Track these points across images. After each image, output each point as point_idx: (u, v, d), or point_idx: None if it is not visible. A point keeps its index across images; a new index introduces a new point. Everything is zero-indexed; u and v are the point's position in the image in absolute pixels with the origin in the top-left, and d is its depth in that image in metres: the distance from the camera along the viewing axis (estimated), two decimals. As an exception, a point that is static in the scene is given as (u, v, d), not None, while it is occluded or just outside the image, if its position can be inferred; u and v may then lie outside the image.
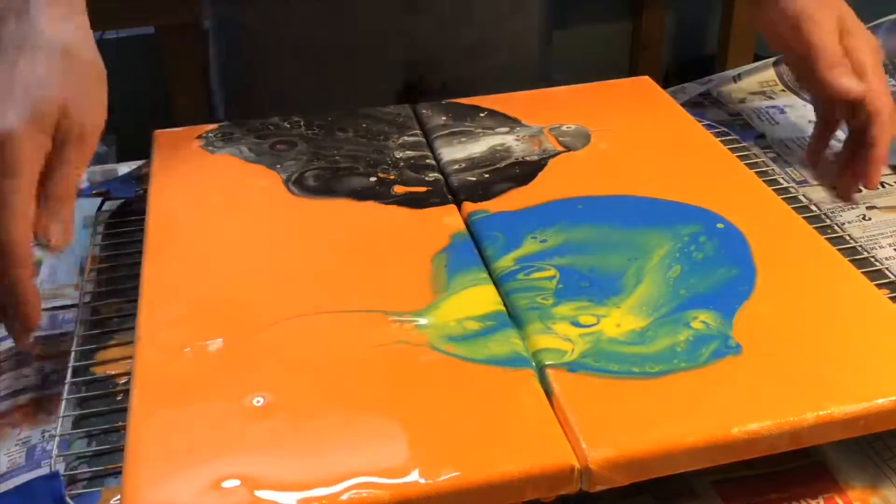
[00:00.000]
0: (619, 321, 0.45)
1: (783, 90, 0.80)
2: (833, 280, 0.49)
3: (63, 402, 0.44)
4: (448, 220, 0.54)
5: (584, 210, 0.54)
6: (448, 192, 0.57)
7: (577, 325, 0.45)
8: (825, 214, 0.56)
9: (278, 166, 0.59)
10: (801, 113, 0.76)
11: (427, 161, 0.60)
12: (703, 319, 0.45)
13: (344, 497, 0.37)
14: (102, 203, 0.59)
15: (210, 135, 0.63)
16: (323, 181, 0.58)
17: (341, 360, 0.44)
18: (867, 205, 0.63)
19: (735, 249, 0.50)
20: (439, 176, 0.58)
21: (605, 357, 0.43)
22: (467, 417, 0.41)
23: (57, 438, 0.42)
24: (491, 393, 0.42)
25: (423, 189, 0.57)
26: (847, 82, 0.59)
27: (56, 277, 0.59)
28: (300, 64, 0.79)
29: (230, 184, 0.58)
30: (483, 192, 0.56)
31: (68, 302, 0.56)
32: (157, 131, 0.64)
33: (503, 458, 0.38)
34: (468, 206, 0.55)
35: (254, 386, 0.42)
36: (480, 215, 0.54)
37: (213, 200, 0.56)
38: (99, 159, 0.58)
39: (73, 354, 0.47)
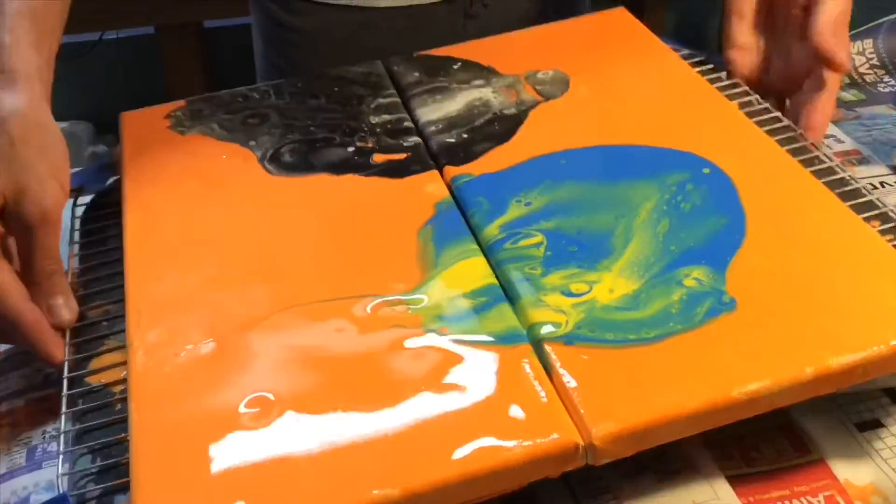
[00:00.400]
0: (611, 286, 0.45)
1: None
2: (827, 222, 0.47)
3: (62, 417, 0.44)
4: (431, 187, 0.53)
5: (567, 165, 0.53)
6: (428, 156, 0.56)
7: (569, 294, 0.45)
8: (838, 166, 0.52)
9: (252, 143, 0.58)
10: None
11: (405, 124, 0.58)
12: (695, 276, 0.45)
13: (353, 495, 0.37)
14: (76, 200, 0.57)
15: (179, 113, 0.61)
16: (300, 156, 0.56)
17: (337, 351, 0.44)
18: None
19: (723, 196, 0.49)
20: (418, 140, 0.57)
21: (600, 326, 0.43)
22: (468, 401, 0.40)
23: (60, 456, 0.42)
24: (490, 372, 0.42)
25: (403, 156, 0.56)
26: (844, 54, 0.56)
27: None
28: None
29: (205, 168, 0.56)
30: (464, 154, 0.55)
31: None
32: (124, 113, 0.62)
33: (508, 441, 0.38)
34: (450, 171, 0.54)
35: (253, 386, 0.42)
36: (464, 180, 0.53)
37: (189, 188, 0.55)
38: (97, 159, 0.57)
39: (66, 364, 0.47)
